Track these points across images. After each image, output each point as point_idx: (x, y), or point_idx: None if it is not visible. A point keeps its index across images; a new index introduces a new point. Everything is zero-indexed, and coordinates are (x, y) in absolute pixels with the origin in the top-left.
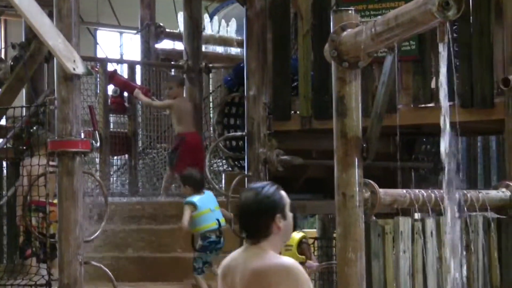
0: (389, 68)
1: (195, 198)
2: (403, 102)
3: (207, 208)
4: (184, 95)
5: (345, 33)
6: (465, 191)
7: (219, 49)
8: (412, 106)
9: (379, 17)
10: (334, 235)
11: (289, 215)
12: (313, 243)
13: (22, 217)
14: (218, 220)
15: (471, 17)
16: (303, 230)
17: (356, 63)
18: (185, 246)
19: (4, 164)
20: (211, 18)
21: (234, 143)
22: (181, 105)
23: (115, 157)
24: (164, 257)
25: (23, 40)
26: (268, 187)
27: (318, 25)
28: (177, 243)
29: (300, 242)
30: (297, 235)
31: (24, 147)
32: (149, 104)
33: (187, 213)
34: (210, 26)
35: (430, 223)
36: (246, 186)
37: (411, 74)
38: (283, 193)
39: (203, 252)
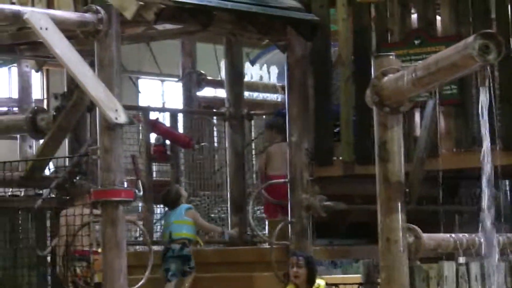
0: (431, 113)
1: (165, 212)
2: (445, 146)
3: (167, 221)
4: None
5: (386, 78)
6: (509, 235)
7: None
8: (454, 150)
9: (420, 62)
10: (379, 280)
11: None
12: None
13: (64, 267)
14: (170, 232)
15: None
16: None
17: (398, 108)
18: None
19: (48, 214)
20: (253, 64)
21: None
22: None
23: (158, 206)
24: None
25: (65, 90)
26: None
27: (359, 71)
28: None
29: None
30: (321, 282)
31: (67, 197)
32: None
33: None
34: (251, 73)
35: (474, 267)
36: (289, 233)
37: (452, 118)
38: None
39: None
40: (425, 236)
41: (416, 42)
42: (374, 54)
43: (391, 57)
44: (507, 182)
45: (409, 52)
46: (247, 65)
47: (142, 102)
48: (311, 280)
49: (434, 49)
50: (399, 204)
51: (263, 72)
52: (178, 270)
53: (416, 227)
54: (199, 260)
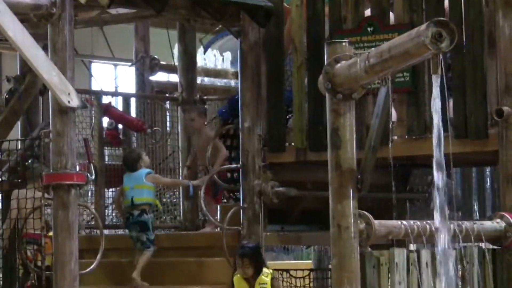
0: (383, 100)
1: (125, 175)
2: (398, 133)
3: (127, 185)
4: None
5: (339, 65)
6: (460, 222)
7: (214, 81)
8: (406, 137)
9: (373, 49)
10: (330, 266)
11: None
12: (309, 274)
13: (17, 251)
14: (132, 197)
15: (464, 49)
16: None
17: (350, 95)
18: (181, 279)
19: None
20: (206, 50)
21: (229, 175)
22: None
23: (110, 189)
24: None
25: (18, 73)
26: None
27: (312, 57)
28: (173, 276)
29: (272, 279)
30: (268, 271)
31: (19, 180)
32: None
33: None
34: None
35: (425, 254)
36: (241, 218)
37: (405, 106)
38: None
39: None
40: (376, 222)
41: (369, 29)
42: (327, 40)
43: (344, 43)
44: (459, 170)
45: (362, 39)
46: (200, 50)
47: (95, 86)
48: (258, 271)
49: (387, 36)
50: (351, 191)
51: (217, 58)
52: (138, 239)
53: (368, 214)
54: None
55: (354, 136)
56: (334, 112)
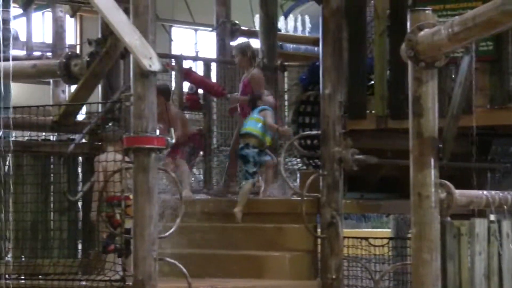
0: (466, 69)
1: None
2: (479, 103)
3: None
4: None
5: (422, 33)
6: None
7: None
8: (488, 107)
9: (457, 17)
10: (409, 235)
11: None
12: (388, 243)
13: (98, 213)
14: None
15: None
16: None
17: (433, 63)
18: (259, 245)
19: (80, 159)
20: (286, 16)
21: (309, 141)
22: None
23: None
24: (237, 254)
25: (99, 36)
26: None
27: (394, 25)
28: (251, 242)
29: None
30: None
31: (99, 143)
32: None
33: None
34: (285, 24)
35: (506, 225)
36: (320, 185)
37: (487, 75)
38: None
39: None
40: (457, 192)
41: None
42: (410, 8)
43: (427, 11)
44: None
45: (445, 7)
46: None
47: (175, 50)
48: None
49: (470, 4)
50: (432, 160)
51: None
52: (241, 171)
53: (448, 183)
54: (229, 211)
55: (436, 104)
56: (417, 80)
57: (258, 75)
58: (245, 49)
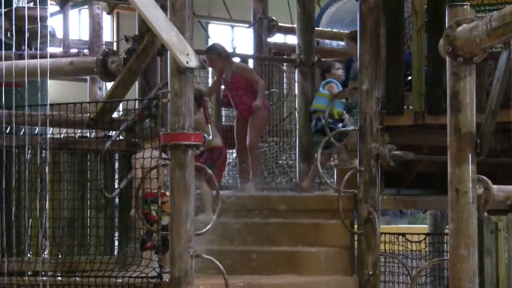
0: (505, 64)
1: None
2: None
3: None
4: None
5: (460, 28)
6: None
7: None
8: None
9: (495, 12)
10: (446, 231)
11: None
12: (425, 238)
13: (136, 209)
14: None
15: None
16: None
17: (471, 59)
18: (296, 241)
19: (116, 156)
20: (323, 12)
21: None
22: None
23: (229, 151)
24: (273, 251)
25: (136, 33)
26: None
27: (432, 20)
28: (287, 238)
29: None
30: None
31: (136, 140)
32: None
33: None
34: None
35: None
36: (357, 181)
37: None
38: None
39: None
40: (495, 187)
41: None
42: (448, 3)
43: (465, 6)
44: None
45: (483, 2)
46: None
47: None
48: None
49: None
50: (470, 155)
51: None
52: (316, 143)
53: (486, 178)
54: (266, 206)
55: (474, 100)
56: (454, 75)
57: (244, 65)
58: (219, 50)
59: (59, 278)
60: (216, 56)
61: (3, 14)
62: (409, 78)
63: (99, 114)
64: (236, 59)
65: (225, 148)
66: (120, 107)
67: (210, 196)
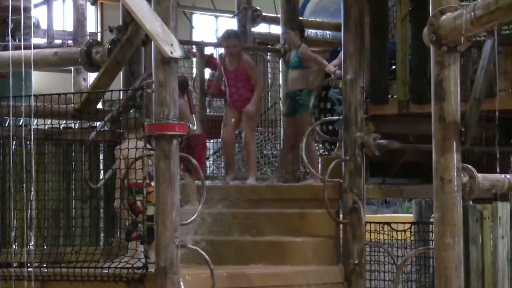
0: (489, 52)
1: None
2: (502, 86)
3: None
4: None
5: (444, 16)
6: None
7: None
8: (511, 90)
9: (479, 0)
10: (431, 219)
11: None
12: (410, 227)
13: (122, 200)
14: None
15: None
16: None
17: (455, 47)
18: (282, 231)
19: (101, 147)
20: (307, 2)
21: (330, 127)
22: None
23: (212, 141)
24: (260, 241)
25: (120, 23)
26: None
27: (416, 9)
28: (273, 228)
29: None
30: None
31: (121, 130)
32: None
33: None
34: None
35: None
36: (342, 171)
37: (510, 58)
38: None
39: None
40: (479, 176)
41: None
42: None
43: None
44: None
45: None
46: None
47: (196, 37)
48: None
49: None
50: (455, 144)
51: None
52: None
53: (471, 167)
54: (252, 197)
55: (459, 88)
56: (439, 64)
57: (251, 60)
58: (239, 36)
59: (45, 269)
60: (238, 41)
61: None
62: (393, 67)
63: (84, 104)
64: (220, 50)
65: (204, 136)
66: (105, 97)
67: (194, 186)
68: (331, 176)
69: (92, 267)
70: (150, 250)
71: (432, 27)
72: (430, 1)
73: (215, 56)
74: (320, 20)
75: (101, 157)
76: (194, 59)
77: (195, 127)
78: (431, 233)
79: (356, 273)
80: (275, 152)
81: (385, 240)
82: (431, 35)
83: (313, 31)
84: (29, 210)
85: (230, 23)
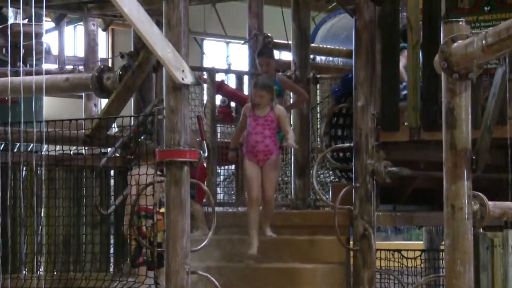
0: (500, 80)
1: None
2: None
3: None
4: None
5: (455, 44)
6: None
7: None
8: None
9: (490, 28)
10: (441, 247)
11: None
12: (420, 255)
13: (130, 226)
14: None
15: None
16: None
17: (467, 75)
18: (292, 257)
19: (112, 173)
20: (318, 28)
21: (341, 154)
22: None
23: (222, 167)
24: (271, 267)
25: (132, 49)
26: None
27: (428, 36)
28: (283, 254)
29: None
30: None
31: (132, 156)
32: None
33: None
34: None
35: None
36: (353, 197)
37: None
38: None
39: None
40: (490, 204)
41: (486, 8)
42: (444, 19)
43: (461, 23)
44: None
45: (478, 19)
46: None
47: (207, 63)
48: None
49: (504, 15)
50: (465, 171)
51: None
52: None
53: (482, 195)
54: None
55: (470, 116)
56: (450, 91)
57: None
58: (272, 86)
59: None
60: (270, 90)
61: None
62: (404, 92)
63: (95, 130)
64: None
65: (203, 161)
66: (116, 123)
67: (201, 212)
68: (342, 203)
69: None
70: (160, 275)
71: (443, 54)
72: (442, 28)
73: (225, 82)
74: (331, 46)
75: (111, 183)
76: (205, 85)
77: (205, 154)
78: (441, 261)
79: None
80: (286, 178)
81: (396, 267)
82: (443, 62)
83: (323, 57)
84: (39, 236)
85: (241, 49)
